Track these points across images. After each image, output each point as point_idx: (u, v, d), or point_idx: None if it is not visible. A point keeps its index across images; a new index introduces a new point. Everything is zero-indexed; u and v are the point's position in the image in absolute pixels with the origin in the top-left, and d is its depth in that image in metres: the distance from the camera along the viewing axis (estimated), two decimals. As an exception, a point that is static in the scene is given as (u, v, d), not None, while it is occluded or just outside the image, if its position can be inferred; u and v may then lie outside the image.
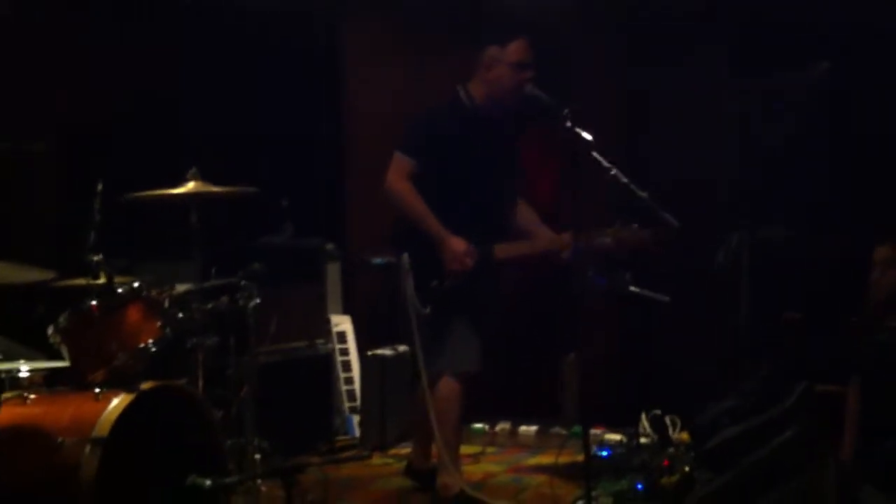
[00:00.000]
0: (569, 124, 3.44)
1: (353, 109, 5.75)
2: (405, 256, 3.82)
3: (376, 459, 4.84)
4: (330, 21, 5.77)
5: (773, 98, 5.15)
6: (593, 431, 4.40)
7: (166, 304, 3.68)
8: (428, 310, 3.80)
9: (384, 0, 5.70)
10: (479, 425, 5.09)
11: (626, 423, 4.70)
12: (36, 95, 4.73)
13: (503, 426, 5.11)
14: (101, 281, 3.50)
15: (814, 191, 5.10)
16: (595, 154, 3.48)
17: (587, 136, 3.45)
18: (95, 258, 3.50)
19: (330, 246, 5.35)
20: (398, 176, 3.86)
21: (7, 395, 3.19)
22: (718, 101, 5.31)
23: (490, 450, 4.96)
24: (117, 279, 3.53)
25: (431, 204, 3.84)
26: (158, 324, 3.56)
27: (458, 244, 3.82)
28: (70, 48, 4.85)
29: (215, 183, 3.86)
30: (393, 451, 4.93)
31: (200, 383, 3.76)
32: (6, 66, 4.65)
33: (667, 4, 5.34)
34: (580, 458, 3.48)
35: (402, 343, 4.99)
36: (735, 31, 5.30)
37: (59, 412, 3.15)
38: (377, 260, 4.42)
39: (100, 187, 3.55)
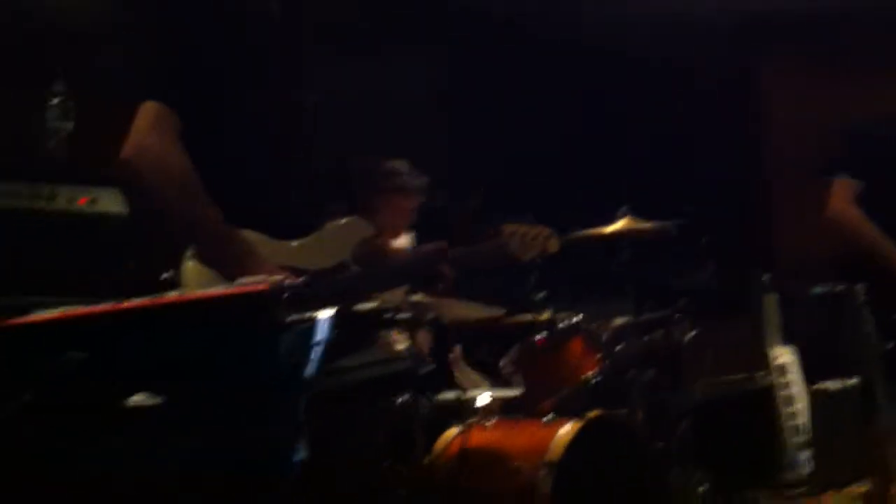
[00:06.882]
0: None
1: (772, 136, 5.64)
2: (859, 287, 3.66)
3: (830, 497, 4.58)
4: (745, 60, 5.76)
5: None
6: None
7: (605, 337, 3.83)
8: (892, 345, 3.59)
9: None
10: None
11: None
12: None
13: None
14: (545, 317, 3.75)
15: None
16: None
17: None
18: (539, 296, 3.77)
19: (765, 277, 5.21)
20: (846, 202, 3.72)
21: (472, 419, 3.49)
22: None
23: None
24: (559, 314, 3.76)
25: None
26: (599, 356, 3.72)
27: None
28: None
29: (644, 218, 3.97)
30: (847, 490, 4.63)
31: (639, 415, 3.84)
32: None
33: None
34: None
35: (850, 376, 4.71)
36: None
37: (515, 437, 3.37)
38: (817, 289, 4.24)
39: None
